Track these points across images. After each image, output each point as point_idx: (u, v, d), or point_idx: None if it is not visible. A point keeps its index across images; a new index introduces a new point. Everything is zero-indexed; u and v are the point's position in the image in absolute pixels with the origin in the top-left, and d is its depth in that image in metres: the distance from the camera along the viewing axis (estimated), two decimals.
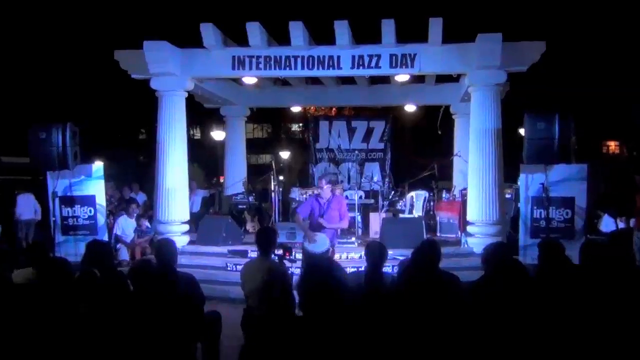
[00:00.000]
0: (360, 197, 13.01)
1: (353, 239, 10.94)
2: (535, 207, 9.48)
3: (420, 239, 8.80)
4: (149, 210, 12.63)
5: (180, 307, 4.66)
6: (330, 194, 8.32)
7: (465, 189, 11.63)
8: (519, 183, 10.53)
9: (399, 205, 12.81)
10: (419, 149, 28.48)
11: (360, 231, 12.33)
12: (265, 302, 5.40)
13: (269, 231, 6.02)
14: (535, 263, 5.51)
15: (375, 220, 11.92)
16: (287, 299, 5.61)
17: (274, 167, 12.70)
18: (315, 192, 12.15)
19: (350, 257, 10.09)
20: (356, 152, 14.75)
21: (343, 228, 8.87)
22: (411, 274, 4.93)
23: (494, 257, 4.99)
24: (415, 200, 12.73)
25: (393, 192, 13.64)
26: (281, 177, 26.30)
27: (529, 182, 9.56)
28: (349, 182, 14.46)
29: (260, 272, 5.52)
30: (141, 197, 14.64)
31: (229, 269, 10.16)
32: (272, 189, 12.74)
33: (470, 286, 4.78)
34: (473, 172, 10.38)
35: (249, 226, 12.96)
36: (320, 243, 7.84)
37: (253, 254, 10.08)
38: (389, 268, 8.21)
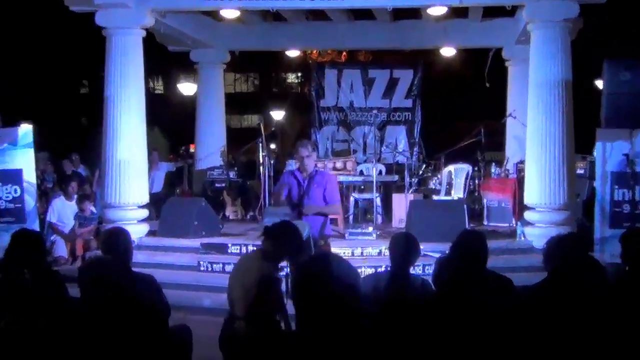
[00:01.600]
0: (380, 173, 13.13)
1: (370, 229, 11.05)
2: (616, 187, 9.51)
3: (462, 229, 8.63)
4: (93, 191, 12.66)
5: (138, 321, 4.66)
6: (314, 166, 8.29)
7: (522, 161, 11.75)
8: (594, 154, 10.60)
9: (433, 184, 12.94)
10: (460, 108, 28.44)
11: (379, 219, 12.48)
12: (259, 313, 5.45)
13: (291, 229, 5.98)
14: (617, 262, 5.56)
15: (401, 204, 12.05)
16: (285, 314, 5.70)
17: (263, 132, 12.77)
18: (319, 165, 12.38)
19: (367, 254, 10.14)
20: (374, 111, 14.73)
21: (333, 215, 8.78)
22: (449, 277, 4.98)
23: (560, 253, 5.00)
24: (455, 177, 12.88)
25: (424, 166, 13.72)
26: (273, 146, 26.28)
27: (608, 152, 9.58)
28: (364, 152, 14.63)
29: (258, 273, 5.56)
30: (83, 173, 14.67)
31: (202, 269, 10.24)
32: (261, 161, 12.82)
33: (528, 293, 4.81)
34: (533, 140, 10.40)
35: (229, 211, 13.05)
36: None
37: (235, 248, 10.37)
38: (419, 269, 8.33)
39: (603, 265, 4.47)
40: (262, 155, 12.78)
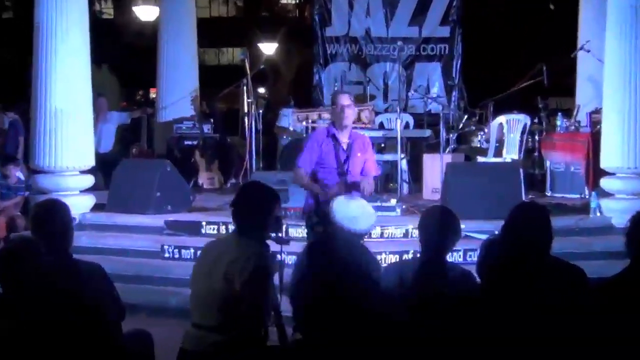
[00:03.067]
0: (407, 126, 13.32)
1: (393, 201, 11.08)
2: None
3: (517, 201, 8.31)
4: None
5: (80, 325, 4.66)
6: (351, 124, 8.50)
7: (597, 110, 11.73)
8: None
9: (477, 141, 13.08)
10: (514, 39, 28.22)
11: (405, 188, 12.55)
12: (241, 321, 5.38)
13: (263, 191, 5.95)
14: None
15: (434, 168, 12.11)
16: (278, 319, 5.77)
17: (248, 71, 12.73)
18: (325, 117, 12.49)
19: (389, 235, 10.21)
20: (399, 43, 14.50)
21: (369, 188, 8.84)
22: (499, 266, 4.93)
23: None
24: (507, 132, 12.82)
25: (466, 117, 13.76)
26: (262, 90, 26.17)
27: None
28: (385, 98, 14.85)
29: (237, 264, 5.45)
30: (11, 126, 14.78)
31: (167, 255, 10.26)
32: (246, 110, 12.79)
33: (606, 286, 4.87)
34: (613, 81, 10.34)
35: (204, 178, 13.23)
36: (362, 212, 7.59)
37: (211, 228, 10.48)
38: (459, 255, 8.55)
39: None
40: (248, 103, 12.72)
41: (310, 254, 3.34)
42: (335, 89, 15.18)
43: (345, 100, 8.40)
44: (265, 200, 5.74)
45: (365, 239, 8.55)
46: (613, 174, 10.47)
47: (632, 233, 5.07)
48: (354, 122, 11.83)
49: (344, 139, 8.40)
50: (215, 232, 10.35)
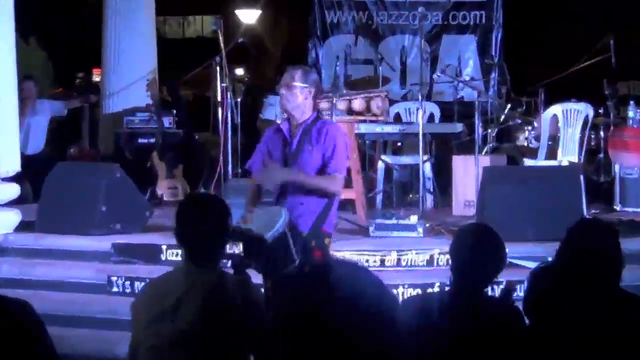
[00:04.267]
0: (432, 118, 13.37)
1: (413, 218, 11.13)
2: None
3: (577, 218, 7.98)
4: None
5: None
6: (312, 110, 8.30)
7: None
8: None
9: (524, 138, 13.25)
10: (571, 5, 28.12)
11: (430, 200, 12.80)
12: None
13: (212, 203, 6.09)
14: None
15: (468, 174, 12.27)
16: None
17: (222, 46, 12.65)
18: (323, 107, 12.00)
19: (408, 263, 10.29)
20: (421, 8, 14.53)
21: (332, 192, 8.64)
22: (553, 300, 5.03)
23: None
24: (564, 126, 12.77)
25: (510, 107, 13.82)
26: (240, 72, 26.06)
27: None
28: (403, 82, 14.91)
29: (190, 304, 5.51)
30: None
31: (115, 289, 10.34)
32: (219, 98, 12.65)
33: None
34: None
35: (164, 188, 13.39)
36: (265, 220, 7.64)
37: (173, 253, 10.51)
38: (502, 287, 8.26)
39: None
40: (221, 88, 12.60)
41: (291, 293, 3.37)
42: (337, 68, 15.40)
43: (286, 78, 8.20)
44: (211, 215, 5.85)
45: (374, 267, 9.13)
46: None
47: None
48: (360, 113, 12.35)
49: (295, 130, 8.26)
50: (178, 258, 10.12)
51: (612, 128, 13.35)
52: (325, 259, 7.81)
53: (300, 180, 8.07)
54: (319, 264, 5.41)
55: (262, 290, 6.74)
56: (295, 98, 8.10)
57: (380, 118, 12.67)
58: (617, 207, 12.51)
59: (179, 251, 9.96)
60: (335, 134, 8.31)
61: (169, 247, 10.52)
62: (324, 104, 11.68)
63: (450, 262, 5.62)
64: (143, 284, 9.73)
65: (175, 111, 14.31)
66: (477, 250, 5.47)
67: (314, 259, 7.72)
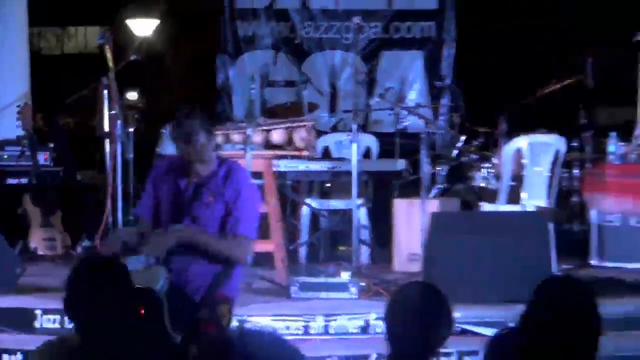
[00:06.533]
0: (367, 154, 13.71)
1: (344, 275, 10.97)
2: None
3: (545, 275, 7.84)
4: None
5: None
6: (215, 160, 8.15)
7: None
8: None
9: (481, 177, 12.86)
10: (538, 17, 27.38)
11: (365, 253, 12.59)
12: None
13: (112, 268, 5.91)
14: None
15: (412, 222, 12.19)
16: None
17: (111, 64, 12.40)
18: (236, 140, 12.37)
19: (339, 330, 9.99)
20: (356, 20, 13.69)
21: (236, 258, 8.41)
22: None
23: None
24: (529, 163, 12.37)
25: (464, 139, 13.83)
26: (133, 95, 26.24)
27: None
28: (331, 108, 15.07)
29: None
30: None
31: None
32: (107, 129, 12.31)
33: None
34: None
35: (38, 239, 13.04)
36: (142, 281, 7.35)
37: (50, 320, 10.07)
38: None
39: None
40: (110, 116, 12.18)
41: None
42: (252, 92, 15.02)
43: (185, 128, 7.95)
44: (108, 281, 5.71)
45: (298, 337, 9.45)
46: None
47: None
48: (280, 147, 12.19)
49: (194, 172, 8.07)
50: (56, 325, 9.98)
51: (588, 165, 13.51)
52: (221, 334, 7.19)
53: (195, 241, 7.89)
54: (212, 341, 5.45)
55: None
56: (197, 151, 8.00)
57: (304, 153, 12.43)
58: (594, 262, 12.39)
59: (57, 316, 10.06)
60: (242, 181, 8.28)
61: (45, 312, 10.07)
62: (235, 136, 11.90)
63: (385, 328, 5.39)
64: (13, 357, 9.61)
65: (53, 145, 13.93)
66: (419, 315, 5.35)
67: (204, 336, 7.66)
